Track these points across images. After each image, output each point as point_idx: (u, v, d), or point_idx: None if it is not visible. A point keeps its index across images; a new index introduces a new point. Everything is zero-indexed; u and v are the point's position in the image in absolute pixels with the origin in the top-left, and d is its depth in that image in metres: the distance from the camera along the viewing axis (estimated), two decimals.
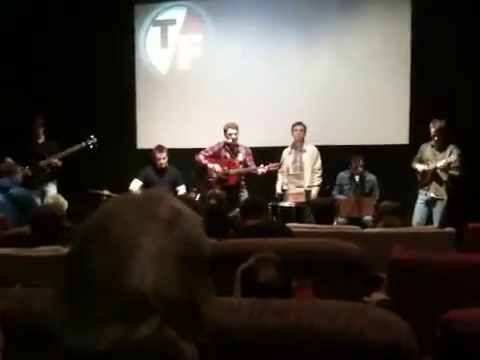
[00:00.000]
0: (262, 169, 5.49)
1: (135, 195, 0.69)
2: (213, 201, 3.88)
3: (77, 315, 0.60)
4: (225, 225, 3.15)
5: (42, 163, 5.80)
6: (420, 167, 5.31)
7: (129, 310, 0.59)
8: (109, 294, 0.59)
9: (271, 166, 5.50)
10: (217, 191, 4.32)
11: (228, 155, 5.72)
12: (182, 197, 3.84)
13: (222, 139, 5.74)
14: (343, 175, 5.77)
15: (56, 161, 5.79)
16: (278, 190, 5.72)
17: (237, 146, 5.71)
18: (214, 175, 5.66)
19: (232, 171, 5.65)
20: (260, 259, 1.73)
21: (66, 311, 0.61)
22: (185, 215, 0.66)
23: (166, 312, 0.61)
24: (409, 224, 4.78)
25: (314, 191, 5.63)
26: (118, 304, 0.59)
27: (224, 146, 5.72)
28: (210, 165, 5.67)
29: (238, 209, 4.13)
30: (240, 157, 5.69)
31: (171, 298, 0.61)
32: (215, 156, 5.74)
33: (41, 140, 5.98)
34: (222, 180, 5.65)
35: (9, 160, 5.85)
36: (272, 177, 5.76)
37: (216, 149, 5.74)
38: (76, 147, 5.79)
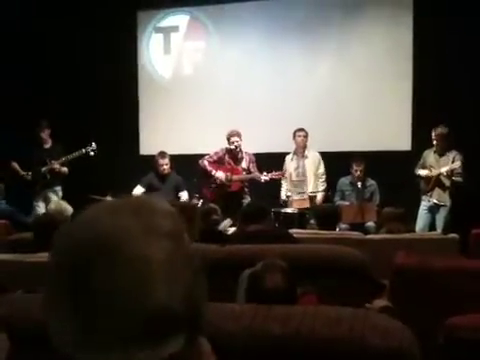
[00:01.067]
0: (265, 177, 5.48)
1: (134, 204, 0.65)
2: (215, 217, 3.85)
3: (93, 334, 0.57)
4: (222, 240, 3.14)
5: (43, 169, 5.82)
6: (423, 172, 5.30)
7: (156, 328, 0.58)
8: (131, 313, 0.57)
9: (274, 174, 5.49)
10: (212, 205, 4.29)
11: (231, 162, 5.72)
12: (178, 205, 3.81)
13: (225, 145, 5.74)
14: (344, 181, 5.76)
15: (58, 167, 5.81)
16: (283, 197, 5.72)
17: (240, 153, 5.70)
18: (218, 181, 5.66)
19: (235, 177, 5.65)
20: (267, 265, 1.74)
21: (77, 329, 0.58)
22: (183, 225, 0.65)
23: (190, 325, 0.61)
24: (412, 230, 4.77)
25: (319, 197, 5.63)
26: (142, 322, 0.57)
27: (227, 153, 5.72)
28: (214, 172, 5.67)
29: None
30: (243, 164, 5.69)
31: (193, 310, 0.61)
32: (219, 162, 5.75)
33: (48, 145, 6.01)
34: (225, 186, 5.66)
35: (14, 165, 5.89)
36: (275, 183, 5.75)
37: (220, 155, 5.74)
38: (76, 153, 5.82)
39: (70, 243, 0.61)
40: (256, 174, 5.59)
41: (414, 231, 4.98)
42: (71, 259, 0.59)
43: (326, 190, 5.73)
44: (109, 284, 0.57)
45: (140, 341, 0.57)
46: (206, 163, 5.74)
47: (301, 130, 5.71)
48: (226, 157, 5.72)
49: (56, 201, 5.07)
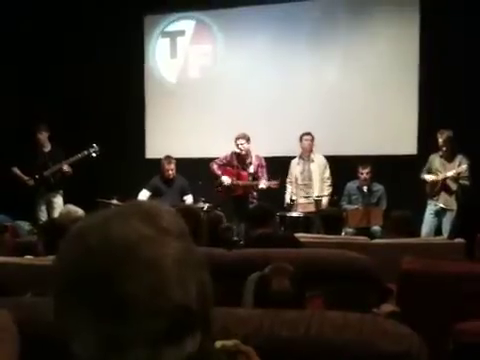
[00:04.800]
0: (263, 185, 5.49)
1: (141, 208, 0.66)
2: (222, 226, 3.84)
3: (118, 338, 0.59)
4: (229, 244, 3.14)
5: (45, 173, 5.83)
6: (429, 177, 5.28)
7: (176, 326, 0.59)
8: (153, 313, 0.59)
9: (272, 183, 5.49)
10: (217, 213, 4.28)
11: (239, 166, 5.72)
12: (185, 209, 3.77)
13: (231, 149, 5.74)
14: (351, 185, 5.76)
15: (65, 168, 5.81)
16: (287, 200, 5.72)
17: (249, 157, 5.70)
18: (224, 185, 5.66)
19: (236, 183, 5.65)
20: (275, 269, 1.74)
21: (101, 334, 0.59)
22: (187, 227, 0.67)
23: (205, 324, 0.63)
24: (417, 234, 4.75)
25: (324, 200, 5.62)
26: (164, 321, 0.59)
27: (236, 156, 5.72)
28: (221, 176, 5.68)
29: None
30: (251, 169, 5.68)
31: (207, 309, 0.63)
32: (228, 165, 5.77)
33: (47, 148, 6.02)
34: (230, 190, 5.67)
35: (15, 170, 5.90)
36: (281, 187, 5.75)
37: (229, 158, 5.77)
38: (79, 155, 5.83)
39: (83, 253, 0.61)
40: (256, 182, 5.57)
41: (419, 235, 4.96)
42: (87, 268, 0.60)
43: (331, 194, 5.72)
44: (131, 288, 0.58)
45: (164, 339, 0.59)
46: (215, 166, 5.76)
47: (308, 134, 5.72)
48: (234, 161, 5.73)
49: (63, 206, 5.08)
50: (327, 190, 5.72)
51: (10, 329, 1.27)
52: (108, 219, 0.63)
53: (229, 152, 5.77)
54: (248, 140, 5.63)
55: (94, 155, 5.87)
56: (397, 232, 3.73)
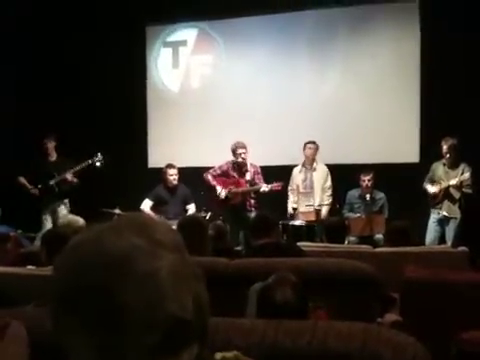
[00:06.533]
0: (265, 188, 5.47)
1: (135, 222, 0.66)
2: (211, 232, 3.83)
3: (114, 350, 0.59)
4: (233, 254, 3.13)
5: (50, 182, 5.85)
6: (431, 190, 5.26)
7: (173, 338, 0.59)
8: (149, 326, 0.59)
9: (274, 186, 5.46)
10: (218, 222, 4.27)
11: (236, 174, 5.71)
12: (191, 220, 3.77)
13: (231, 158, 5.74)
14: (353, 193, 5.75)
15: (71, 177, 5.82)
16: (289, 209, 5.70)
17: (246, 165, 5.70)
18: (220, 197, 5.65)
19: (234, 190, 5.63)
20: (278, 279, 1.73)
21: (95, 347, 0.59)
22: (182, 239, 0.67)
23: (202, 335, 0.63)
24: (418, 243, 4.73)
25: (324, 210, 5.61)
26: (161, 334, 0.59)
27: (233, 165, 5.71)
28: (218, 188, 5.67)
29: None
30: (248, 176, 5.67)
31: (204, 320, 0.63)
32: (223, 175, 5.74)
33: (53, 158, 6.04)
34: (227, 199, 5.64)
35: (21, 180, 5.91)
36: (283, 195, 5.74)
37: (224, 168, 5.74)
38: (83, 164, 5.84)
39: (77, 265, 0.61)
40: (257, 186, 5.55)
41: (420, 244, 4.94)
42: (81, 280, 0.60)
43: (331, 204, 5.70)
44: (126, 300, 0.58)
45: (160, 351, 0.59)
46: (210, 177, 5.74)
47: (312, 143, 5.73)
48: (230, 170, 5.72)
49: (65, 215, 5.08)
50: (327, 200, 5.71)
51: (23, 340, 1.27)
52: (102, 232, 0.63)
53: (224, 162, 5.74)
54: (246, 148, 5.63)
55: (98, 164, 5.87)
56: (395, 243, 3.72)
